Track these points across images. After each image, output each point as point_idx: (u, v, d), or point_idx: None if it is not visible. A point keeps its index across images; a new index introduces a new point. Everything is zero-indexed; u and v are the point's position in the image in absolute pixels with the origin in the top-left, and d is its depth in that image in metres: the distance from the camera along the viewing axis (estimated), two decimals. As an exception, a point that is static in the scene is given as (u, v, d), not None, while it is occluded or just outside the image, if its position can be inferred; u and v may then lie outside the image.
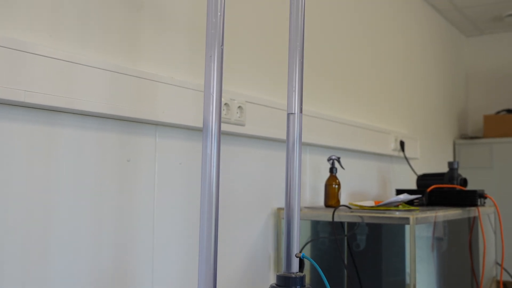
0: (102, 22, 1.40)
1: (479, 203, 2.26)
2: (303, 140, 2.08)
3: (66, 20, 1.31)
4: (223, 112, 1.68)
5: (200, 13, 1.69)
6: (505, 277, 3.05)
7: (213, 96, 0.99)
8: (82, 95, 1.29)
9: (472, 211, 2.25)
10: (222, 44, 0.98)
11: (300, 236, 1.20)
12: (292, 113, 1.22)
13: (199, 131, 1.66)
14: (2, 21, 1.18)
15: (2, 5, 1.18)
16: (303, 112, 2.05)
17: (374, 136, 2.65)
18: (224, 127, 1.69)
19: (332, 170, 2.09)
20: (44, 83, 1.21)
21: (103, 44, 1.40)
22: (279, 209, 1.98)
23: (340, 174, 2.19)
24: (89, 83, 1.31)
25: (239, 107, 1.74)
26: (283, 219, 1.93)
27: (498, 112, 3.97)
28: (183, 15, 1.63)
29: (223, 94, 1.66)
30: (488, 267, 2.57)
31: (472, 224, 2.44)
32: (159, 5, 1.55)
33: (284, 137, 1.69)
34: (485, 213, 2.40)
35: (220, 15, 0.95)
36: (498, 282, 2.73)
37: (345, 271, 1.98)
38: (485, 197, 2.33)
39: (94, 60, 1.33)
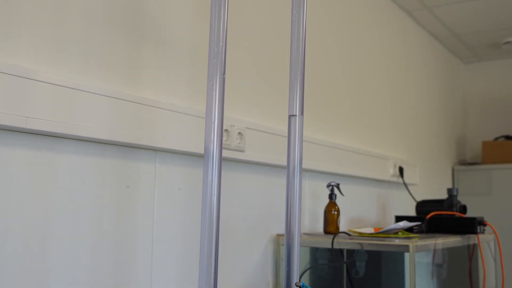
0: (104, 49, 1.41)
1: (478, 230, 2.26)
2: (303, 166, 2.08)
3: (68, 47, 1.32)
4: (223, 138, 1.69)
5: (202, 40, 1.71)
6: (505, 305, 3.03)
7: (214, 125, 0.99)
8: (83, 121, 1.29)
9: (472, 238, 2.24)
10: (224, 73, 0.99)
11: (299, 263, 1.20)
12: (291, 137, 1.23)
13: (198, 157, 1.67)
14: (6, 48, 1.19)
15: (6, 32, 1.19)
16: (303, 138, 2.06)
17: (373, 162, 2.65)
18: (224, 153, 1.69)
19: (332, 196, 2.09)
20: (45, 109, 1.21)
21: (105, 70, 1.41)
22: (279, 235, 1.98)
23: (339, 200, 2.19)
24: (90, 109, 1.31)
25: (239, 133, 1.75)
26: (282, 245, 1.93)
27: (496, 138, 3.99)
28: (184, 42, 1.65)
29: (223, 120, 1.67)
30: (488, 295, 2.56)
31: (472, 251, 2.44)
32: (161, 32, 1.57)
33: (283, 163, 1.69)
34: (484, 240, 2.40)
35: (222, 45, 0.96)
36: (498, 310, 2.70)
37: (345, 298, 1.96)
38: (484, 225, 2.32)
39: (96, 86, 1.33)
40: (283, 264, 1.32)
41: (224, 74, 0.99)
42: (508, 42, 3.75)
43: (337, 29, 2.52)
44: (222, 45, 0.96)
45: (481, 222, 2.30)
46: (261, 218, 1.93)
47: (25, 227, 1.21)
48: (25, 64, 1.22)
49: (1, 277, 1.16)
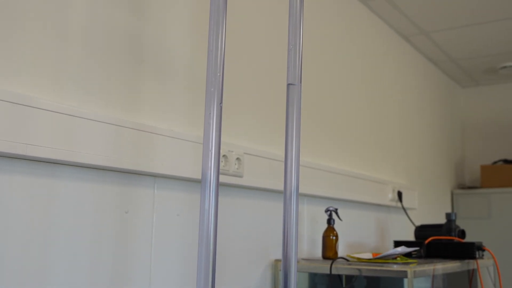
0: (104, 76, 1.43)
1: (477, 255, 2.26)
2: (300, 191, 2.09)
3: (69, 75, 1.34)
4: (222, 164, 1.70)
5: (201, 67, 1.73)
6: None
7: (211, 152, 1.01)
8: (82, 147, 1.31)
9: (471, 264, 2.24)
10: (221, 102, 1.00)
11: (297, 291, 1.20)
12: (289, 163, 1.24)
13: (197, 183, 1.67)
14: (8, 76, 1.21)
15: (7, 60, 1.21)
16: (301, 163, 2.07)
17: (371, 187, 2.66)
18: (222, 179, 1.70)
19: (330, 221, 2.09)
20: (45, 136, 1.23)
21: (105, 97, 1.42)
22: (277, 260, 1.98)
23: (338, 225, 2.19)
24: (90, 136, 1.33)
25: (237, 158, 1.76)
26: (280, 271, 1.93)
27: (495, 162, 4.00)
28: (183, 69, 1.67)
29: (221, 146, 1.69)
30: (488, 321, 2.54)
31: (471, 276, 2.43)
32: (160, 59, 1.59)
33: (282, 187, 1.70)
34: (484, 265, 2.39)
35: (219, 75, 0.98)
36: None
37: (343, 324, 1.96)
38: (483, 250, 2.32)
39: (95, 113, 1.35)
40: (281, 290, 1.32)
41: (221, 103, 1.01)
42: (505, 67, 3.78)
43: (335, 55, 2.54)
44: (220, 75, 0.98)
45: (480, 247, 2.30)
46: (260, 243, 1.94)
47: (24, 253, 1.21)
48: (27, 92, 1.24)
49: (-1, 304, 1.16)
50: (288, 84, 1.21)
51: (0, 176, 1.18)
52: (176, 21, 1.66)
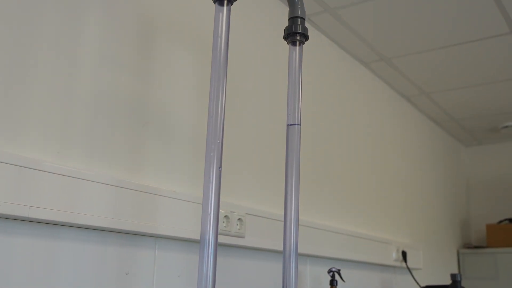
0: (108, 138, 1.46)
1: (483, 317, 2.22)
2: (303, 251, 2.08)
3: (73, 137, 1.37)
4: (223, 225, 1.71)
5: (202, 129, 1.76)
6: None
7: (210, 216, 1.02)
8: (84, 209, 1.32)
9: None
10: (220, 166, 1.03)
11: None
12: (289, 221, 1.25)
13: (198, 243, 1.68)
14: (14, 140, 1.24)
15: (14, 124, 1.25)
16: (303, 223, 2.08)
17: (375, 247, 2.64)
18: (224, 239, 1.71)
19: (333, 282, 2.07)
20: (48, 198, 1.25)
21: (108, 159, 1.45)
22: (279, 322, 1.95)
23: (341, 287, 2.17)
24: (93, 198, 1.35)
25: (239, 219, 1.77)
26: (282, 333, 1.90)
27: (500, 222, 3.97)
28: (185, 130, 1.70)
29: (223, 207, 1.70)
30: None
31: None
32: (163, 121, 1.63)
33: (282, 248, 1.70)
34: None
35: (219, 142, 1.01)
36: None
37: None
38: (489, 312, 2.29)
39: (98, 175, 1.38)
40: None
41: (220, 167, 1.03)
42: (506, 126, 3.82)
43: (339, 116, 2.59)
44: (219, 142, 1.01)
45: (485, 309, 2.27)
46: (261, 304, 1.92)
47: (23, 316, 1.21)
48: (31, 155, 1.27)
49: None
50: (287, 148, 1.24)
51: (1, 237, 1.20)
52: (179, 85, 1.71)
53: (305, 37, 1.32)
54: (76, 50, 1.41)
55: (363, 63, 2.87)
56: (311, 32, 2.42)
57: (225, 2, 1.12)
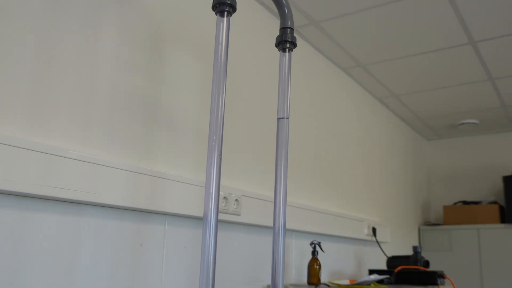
0: (125, 131, 1.44)
1: (439, 282, 2.23)
2: (290, 227, 2.08)
3: (95, 130, 1.35)
4: (223, 205, 1.70)
5: (205, 123, 1.75)
6: None
7: (212, 196, 1.01)
8: (104, 190, 1.31)
9: (434, 290, 2.20)
10: (221, 154, 1.01)
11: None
12: (278, 204, 1.24)
13: (201, 220, 1.67)
14: (43, 131, 1.22)
15: (43, 118, 1.23)
16: (290, 204, 2.07)
17: (350, 224, 2.64)
18: (223, 217, 1.70)
19: (314, 253, 2.07)
20: (73, 181, 1.23)
21: (125, 148, 1.44)
22: (269, 285, 1.95)
23: (321, 256, 2.17)
24: (111, 181, 1.33)
25: (236, 200, 1.76)
26: (272, 295, 1.89)
27: (455, 203, 3.98)
28: (191, 124, 1.69)
29: (222, 189, 1.69)
30: None
31: (434, 301, 2.39)
32: (171, 116, 1.61)
33: (272, 224, 1.69)
34: (445, 292, 2.36)
35: (219, 134, 0.99)
36: None
37: None
38: (444, 278, 2.29)
39: (117, 162, 1.36)
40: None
41: (220, 154, 1.02)
42: (462, 124, 3.82)
43: (321, 114, 2.57)
44: (219, 134, 0.99)
45: (441, 275, 2.27)
46: (254, 271, 1.91)
47: (51, 281, 1.20)
48: (59, 144, 1.25)
49: (29, 323, 1.14)
50: (277, 143, 1.22)
51: (33, 214, 1.18)
52: (185, 85, 1.69)
53: (293, 44, 1.30)
54: (96, 55, 1.39)
55: (342, 69, 2.85)
56: (299, 41, 2.40)
57: (225, 13, 1.09)
